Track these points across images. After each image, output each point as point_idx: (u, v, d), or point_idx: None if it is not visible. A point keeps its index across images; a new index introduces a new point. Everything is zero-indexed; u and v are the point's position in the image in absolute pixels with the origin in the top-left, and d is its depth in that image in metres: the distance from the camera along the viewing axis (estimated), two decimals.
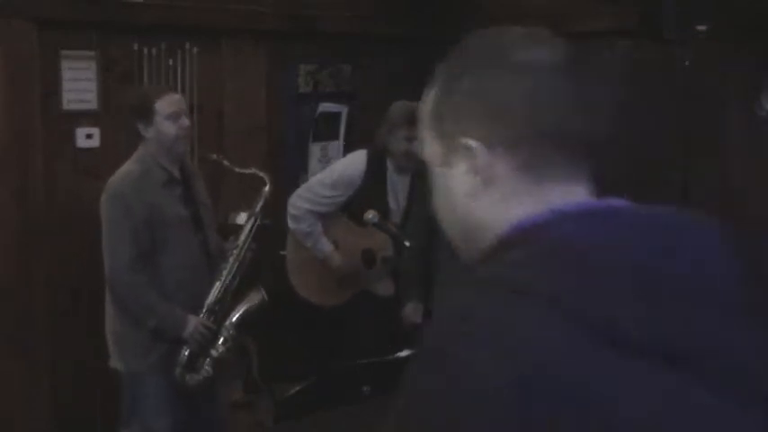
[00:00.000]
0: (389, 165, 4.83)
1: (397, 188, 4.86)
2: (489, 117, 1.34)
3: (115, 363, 4.09)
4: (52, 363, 4.69)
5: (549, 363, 1.13)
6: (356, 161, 4.85)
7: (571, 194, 1.33)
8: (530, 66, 1.34)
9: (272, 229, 4.53)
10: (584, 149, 1.35)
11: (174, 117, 4.00)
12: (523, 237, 1.28)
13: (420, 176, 4.84)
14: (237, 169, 4.32)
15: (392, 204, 4.84)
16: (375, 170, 4.81)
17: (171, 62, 4.99)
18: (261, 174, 4.30)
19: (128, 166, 4.04)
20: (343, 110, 5.53)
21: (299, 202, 4.81)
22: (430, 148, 1.40)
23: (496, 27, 1.42)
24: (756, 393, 1.19)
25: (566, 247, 1.23)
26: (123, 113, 4.30)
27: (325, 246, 4.85)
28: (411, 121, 4.78)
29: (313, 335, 5.20)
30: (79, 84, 4.74)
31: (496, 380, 1.12)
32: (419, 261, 4.35)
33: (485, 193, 1.35)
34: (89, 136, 4.79)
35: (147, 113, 4.00)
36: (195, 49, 5.08)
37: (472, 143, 1.34)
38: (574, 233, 1.25)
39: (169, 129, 3.99)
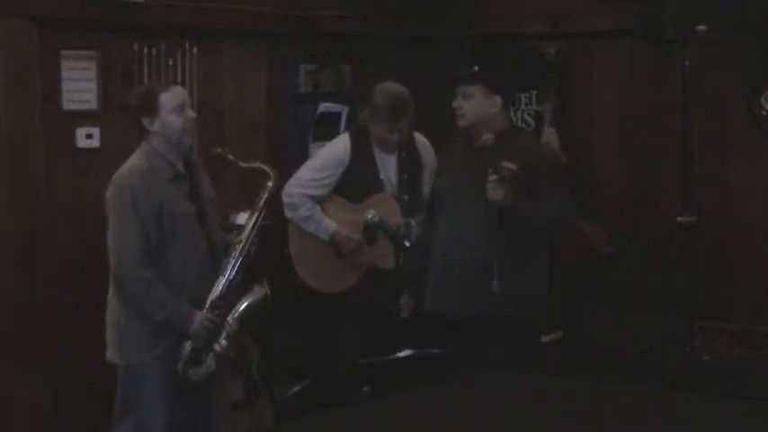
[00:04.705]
0: (373, 143, 4.87)
1: (385, 164, 4.89)
2: None
3: (113, 356, 4.07)
4: (52, 362, 4.69)
5: None
6: (340, 142, 4.94)
7: None
8: None
9: (274, 228, 4.51)
10: None
11: (179, 109, 4.01)
12: None
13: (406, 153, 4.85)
14: (242, 163, 4.29)
15: (384, 180, 4.87)
16: (360, 149, 4.86)
17: (171, 62, 4.99)
18: (265, 168, 4.27)
19: (133, 161, 4.03)
20: (343, 110, 5.53)
21: (291, 189, 4.81)
22: None
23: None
24: None
25: None
26: (124, 114, 4.29)
27: (329, 225, 4.83)
28: (394, 111, 4.75)
29: (315, 334, 5.20)
30: (79, 84, 4.74)
31: None
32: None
33: None
34: (89, 136, 4.79)
35: (152, 107, 3.99)
36: (195, 49, 5.08)
37: None
38: None
39: (175, 121, 3.99)
